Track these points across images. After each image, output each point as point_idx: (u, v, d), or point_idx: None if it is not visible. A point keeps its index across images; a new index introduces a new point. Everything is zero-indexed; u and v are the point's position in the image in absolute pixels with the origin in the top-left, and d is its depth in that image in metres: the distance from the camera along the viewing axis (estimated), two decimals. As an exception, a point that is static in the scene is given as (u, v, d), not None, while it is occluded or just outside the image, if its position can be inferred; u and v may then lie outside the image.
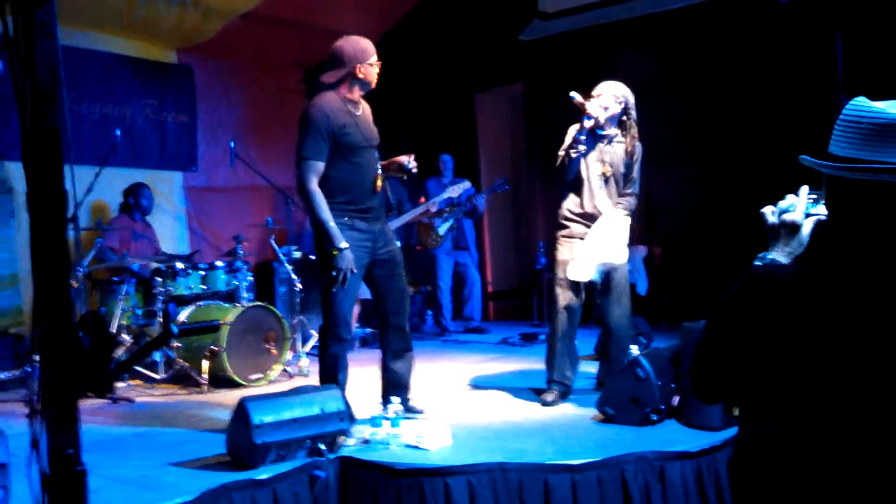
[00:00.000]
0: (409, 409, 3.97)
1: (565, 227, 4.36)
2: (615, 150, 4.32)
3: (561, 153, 4.29)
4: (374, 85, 3.99)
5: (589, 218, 4.31)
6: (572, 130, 4.27)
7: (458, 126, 8.47)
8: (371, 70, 3.95)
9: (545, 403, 4.24)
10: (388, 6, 7.74)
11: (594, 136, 4.29)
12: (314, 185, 3.80)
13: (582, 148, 4.20)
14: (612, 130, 4.34)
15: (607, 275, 4.30)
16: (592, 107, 4.23)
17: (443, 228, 7.35)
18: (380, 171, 4.03)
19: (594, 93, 4.32)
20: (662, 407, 3.71)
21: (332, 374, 3.89)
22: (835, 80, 5.86)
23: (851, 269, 1.43)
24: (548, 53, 7.82)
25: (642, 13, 7.05)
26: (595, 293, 4.47)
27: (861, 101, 1.50)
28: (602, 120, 4.26)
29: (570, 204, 4.35)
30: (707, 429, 3.54)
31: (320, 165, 3.81)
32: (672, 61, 7.25)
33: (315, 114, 3.83)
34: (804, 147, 1.58)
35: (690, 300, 6.76)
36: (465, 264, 7.57)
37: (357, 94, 3.97)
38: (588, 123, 4.19)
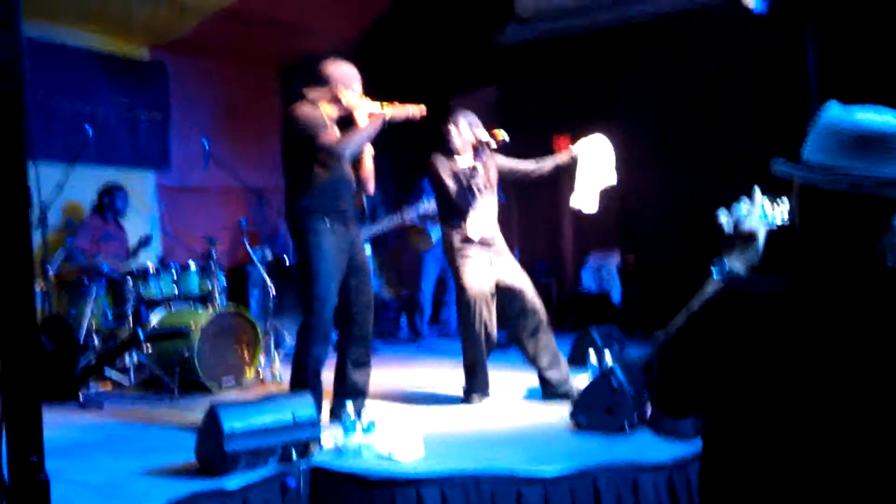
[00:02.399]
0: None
1: (463, 250, 4.54)
2: (483, 168, 4.67)
3: (454, 187, 4.54)
4: (350, 111, 4.03)
5: (484, 241, 4.55)
6: (458, 166, 4.62)
7: (433, 131, 8.42)
8: (352, 97, 4.02)
9: (473, 402, 4.46)
10: (363, 6, 7.68)
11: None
12: (337, 139, 3.89)
13: (479, 176, 4.57)
14: (470, 154, 4.72)
15: (521, 297, 4.50)
16: (461, 135, 4.76)
17: (435, 233, 7.24)
18: (356, 187, 4.14)
19: (453, 123, 4.81)
20: (636, 416, 3.70)
21: (311, 380, 3.81)
22: (808, 88, 5.92)
23: (832, 287, 1.40)
24: (523, 58, 7.82)
25: (616, 22, 7.08)
26: (518, 324, 4.56)
27: (837, 109, 1.46)
28: (463, 149, 4.71)
29: (464, 230, 4.53)
30: (679, 437, 3.53)
31: (333, 134, 3.90)
32: (647, 69, 7.28)
33: (302, 108, 3.96)
34: (780, 155, 1.55)
35: (664, 309, 6.77)
36: None
37: (335, 114, 4.04)
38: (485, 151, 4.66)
